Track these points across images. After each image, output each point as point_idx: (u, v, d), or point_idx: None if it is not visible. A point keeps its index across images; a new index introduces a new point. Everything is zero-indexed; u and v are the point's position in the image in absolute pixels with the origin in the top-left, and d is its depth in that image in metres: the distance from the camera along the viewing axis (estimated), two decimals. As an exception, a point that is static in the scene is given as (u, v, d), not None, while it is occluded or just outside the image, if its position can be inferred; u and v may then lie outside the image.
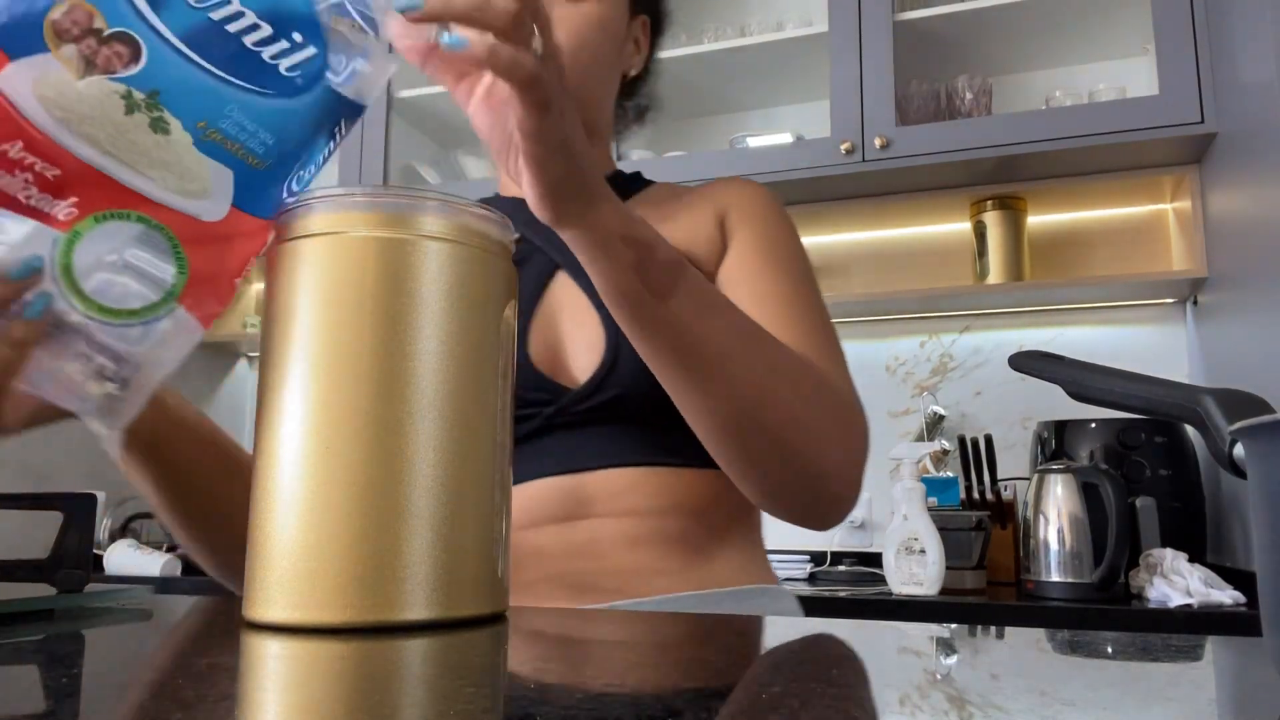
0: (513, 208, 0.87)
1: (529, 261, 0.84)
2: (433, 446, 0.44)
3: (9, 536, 1.90)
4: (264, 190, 0.48)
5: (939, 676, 0.32)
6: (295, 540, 0.42)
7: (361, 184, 0.44)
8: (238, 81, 0.46)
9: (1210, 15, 1.73)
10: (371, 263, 0.44)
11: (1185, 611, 1.39)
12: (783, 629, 0.44)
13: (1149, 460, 1.72)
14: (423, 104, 2.40)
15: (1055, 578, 1.53)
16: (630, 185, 0.92)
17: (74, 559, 0.54)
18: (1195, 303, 1.96)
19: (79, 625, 0.47)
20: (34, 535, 2.04)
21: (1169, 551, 1.53)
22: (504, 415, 0.48)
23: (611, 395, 0.76)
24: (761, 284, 0.78)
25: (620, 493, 0.76)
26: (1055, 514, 1.54)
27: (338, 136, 0.51)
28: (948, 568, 1.58)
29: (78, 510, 0.55)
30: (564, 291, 0.82)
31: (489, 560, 0.46)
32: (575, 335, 0.79)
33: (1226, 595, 1.44)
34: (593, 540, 0.75)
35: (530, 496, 0.77)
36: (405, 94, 2.36)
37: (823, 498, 0.69)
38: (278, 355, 0.45)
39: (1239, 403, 0.32)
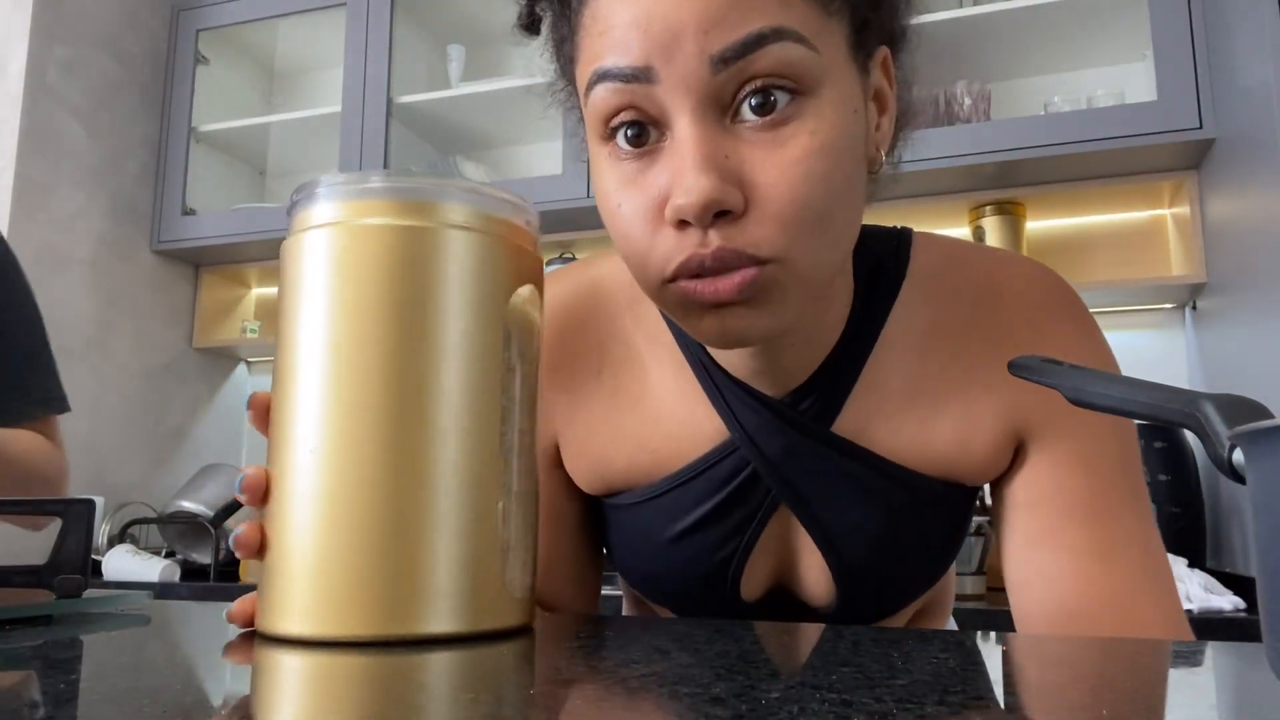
0: (719, 378, 0.61)
1: (740, 491, 0.61)
2: (458, 450, 0.41)
3: (7, 541, 1.89)
4: None
5: (938, 681, 0.31)
6: (311, 549, 0.39)
7: (378, 169, 0.42)
8: None
9: (1208, 21, 1.74)
10: (389, 253, 0.41)
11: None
12: (782, 635, 0.44)
13: (1148, 466, 1.72)
14: (422, 109, 2.40)
15: (1055, 583, 1.52)
16: (882, 278, 0.61)
17: (72, 564, 0.54)
18: (1194, 308, 1.96)
19: (77, 630, 0.47)
20: (32, 540, 2.03)
21: (1169, 557, 1.53)
22: (533, 414, 0.45)
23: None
24: (1072, 533, 0.58)
25: None
26: (1055, 519, 1.54)
27: None
28: (947, 573, 1.58)
29: (76, 515, 0.55)
30: (786, 528, 0.63)
31: (517, 571, 0.43)
32: (795, 580, 0.64)
33: (1226, 601, 1.43)
34: None
35: None
36: (404, 99, 2.36)
37: None
38: (291, 354, 0.42)
39: (1238, 408, 0.32)
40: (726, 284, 0.48)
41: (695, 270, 0.49)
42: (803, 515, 0.61)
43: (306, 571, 0.39)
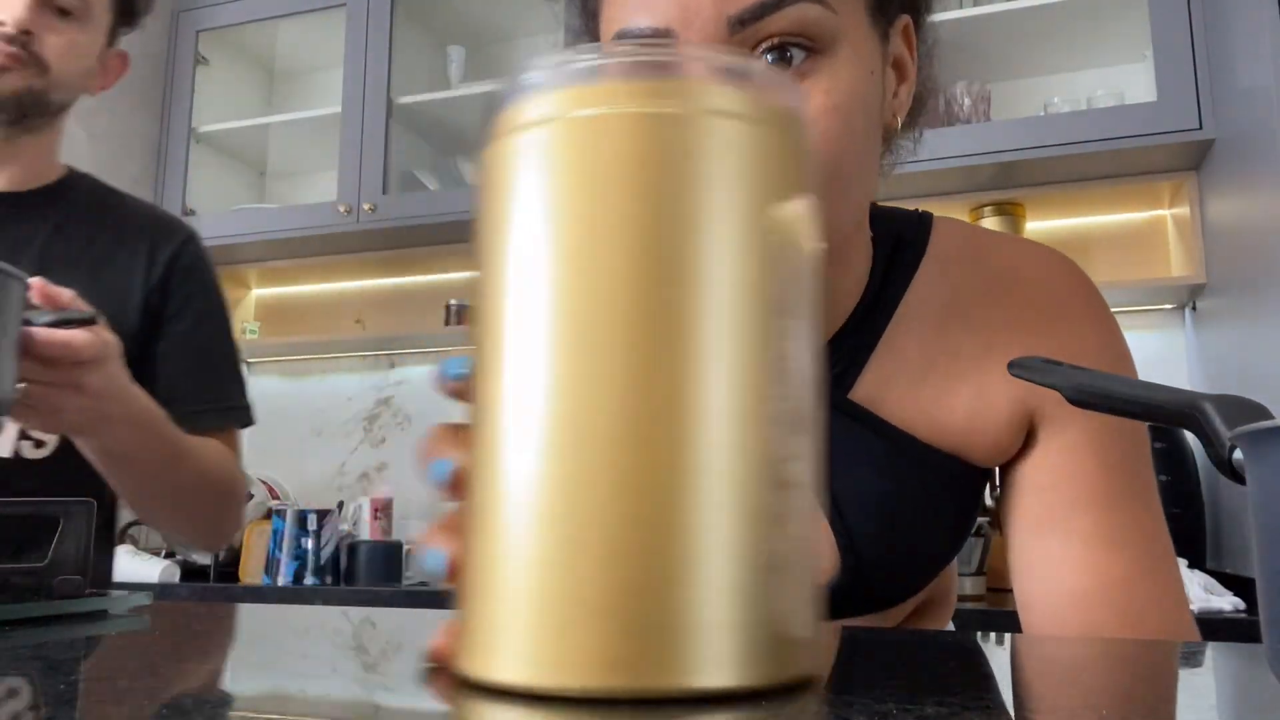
0: None
1: None
2: (739, 429, 0.28)
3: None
4: None
5: (938, 681, 0.31)
6: (536, 571, 0.28)
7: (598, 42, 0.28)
8: None
9: (1208, 22, 1.74)
10: (633, 153, 0.29)
11: (1185, 617, 1.39)
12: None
13: (1148, 466, 1.72)
14: (422, 109, 2.40)
15: (1055, 584, 1.52)
16: (902, 252, 0.62)
17: (72, 565, 0.54)
18: (1194, 308, 1.96)
19: (77, 631, 0.46)
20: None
21: (1169, 557, 1.53)
22: (818, 379, 0.32)
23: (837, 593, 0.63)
24: (1079, 519, 0.57)
25: None
26: (1055, 520, 1.54)
27: None
28: (947, 574, 1.58)
29: (75, 516, 0.55)
30: None
31: (812, 596, 0.31)
32: None
33: (1226, 601, 1.44)
34: None
35: None
36: (404, 100, 2.36)
37: None
38: (498, 301, 0.30)
39: (1238, 408, 0.32)
40: None
41: None
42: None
43: (526, 601, 0.28)
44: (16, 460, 0.91)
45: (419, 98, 2.36)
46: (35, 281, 0.69)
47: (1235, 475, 0.30)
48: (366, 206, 2.31)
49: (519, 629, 0.28)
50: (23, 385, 0.69)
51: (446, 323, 2.51)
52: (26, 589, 0.54)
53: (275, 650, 0.43)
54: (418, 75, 2.46)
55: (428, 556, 0.32)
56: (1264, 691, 0.32)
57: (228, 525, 1.05)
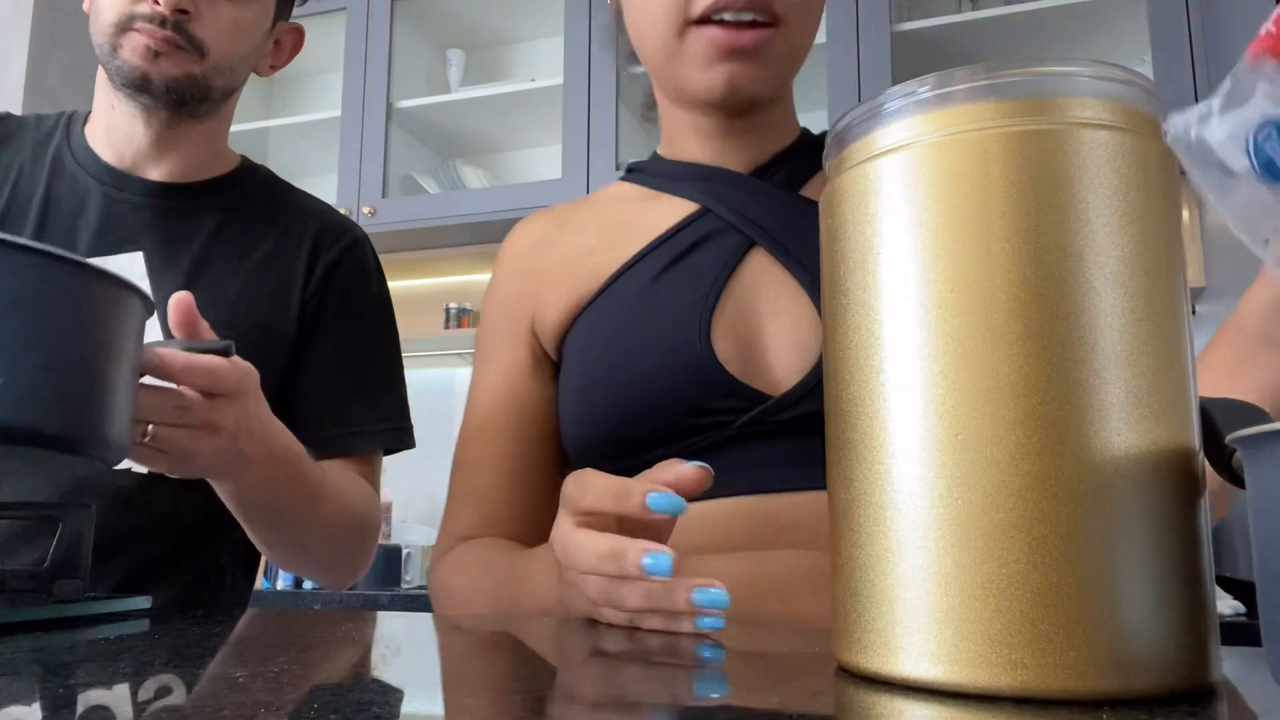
0: (686, 171, 0.74)
1: (710, 240, 0.69)
2: (1122, 429, 0.29)
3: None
4: None
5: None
6: (924, 566, 0.30)
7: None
8: None
9: (1207, 26, 1.74)
10: (1001, 169, 0.31)
11: (1185, 621, 1.39)
12: (772, 636, 0.44)
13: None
14: (421, 113, 2.40)
15: (1055, 587, 1.52)
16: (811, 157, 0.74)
17: (71, 569, 0.54)
18: (1194, 313, 1.96)
19: (76, 635, 0.46)
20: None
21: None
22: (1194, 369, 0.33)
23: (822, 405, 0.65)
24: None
25: (821, 521, 0.59)
26: (1055, 523, 1.54)
27: None
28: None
29: (75, 520, 0.55)
30: (760, 274, 0.67)
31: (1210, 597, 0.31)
32: (775, 329, 0.65)
33: (1226, 605, 1.43)
34: (786, 579, 0.59)
35: (712, 518, 0.62)
36: (404, 104, 2.36)
37: None
38: (869, 325, 0.32)
39: (1237, 412, 0.32)
40: (749, 35, 0.64)
41: (724, 6, 0.64)
42: (783, 258, 0.66)
43: (936, 603, 0.30)
44: (149, 474, 0.80)
45: (419, 101, 2.37)
46: (180, 297, 0.61)
47: (1235, 479, 0.30)
48: (366, 210, 2.31)
49: (925, 632, 0.30)
50: (149, 426, 0.60)
51: (446, 326, 2.51)
52: (26, 592, 0.54)
53: (274, 651, 0.43)
54: (417, 79, 2.47)
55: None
56: (1265, 695, 0.32)
57: (361, 561, 0.95)
